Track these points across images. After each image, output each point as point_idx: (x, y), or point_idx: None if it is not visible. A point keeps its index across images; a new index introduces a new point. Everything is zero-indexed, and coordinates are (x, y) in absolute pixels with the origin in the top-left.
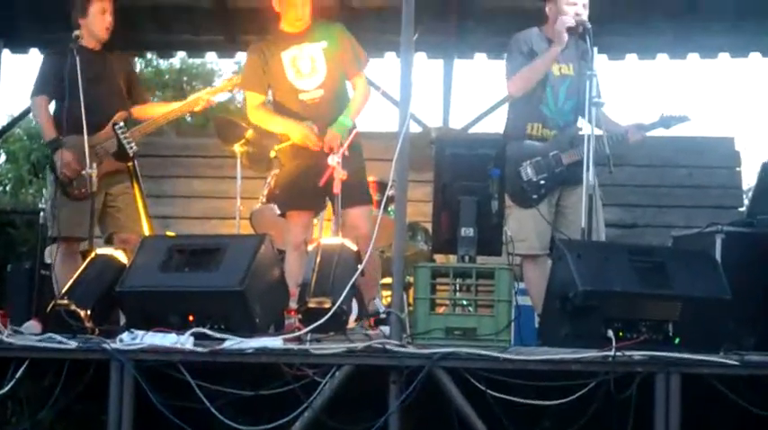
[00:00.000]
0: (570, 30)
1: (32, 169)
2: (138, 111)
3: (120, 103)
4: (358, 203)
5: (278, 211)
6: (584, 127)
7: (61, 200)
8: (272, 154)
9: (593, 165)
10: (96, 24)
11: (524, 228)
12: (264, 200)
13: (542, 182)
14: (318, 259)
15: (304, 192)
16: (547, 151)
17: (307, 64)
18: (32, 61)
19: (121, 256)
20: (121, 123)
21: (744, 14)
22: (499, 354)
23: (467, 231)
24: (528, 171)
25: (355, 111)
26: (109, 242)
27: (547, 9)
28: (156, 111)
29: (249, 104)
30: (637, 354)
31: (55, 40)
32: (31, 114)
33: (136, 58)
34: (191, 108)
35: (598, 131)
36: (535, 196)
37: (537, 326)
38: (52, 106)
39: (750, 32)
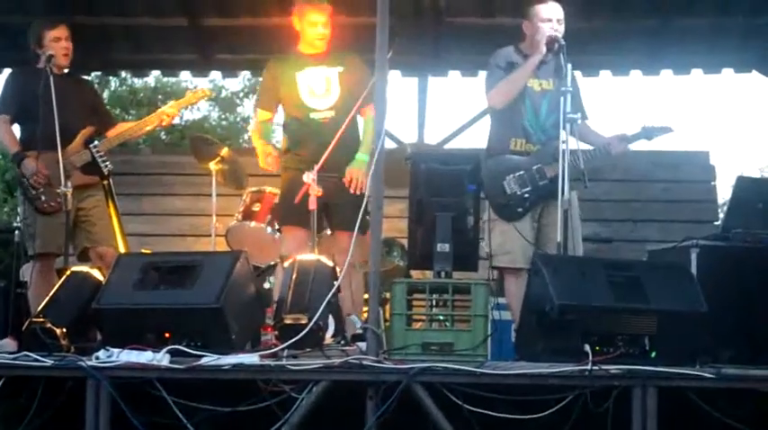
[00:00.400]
0: (547, 44)
1: (7, 188)
2: (111, 132)
3: (86, 120)
4: (352, 229)
5: (252, 227)
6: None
7: (34, 216)
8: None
9: (568, 181)
10: (56, 51)
11: (508, 241)
12: (240, 217)
13: (526, 195)
14: (295, 275)
15: (294, 208)
16: (530, 165)
17: (321, 85)
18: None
19: (97, 274)
20: (96, 142)
21: (716, 32)
22: (476, 369)
23: (442, 247)
24: (512, 185)
25: (370, 147)
26: (82, 258)
27: (524, 26)
28: (125, 127)
29: (256, 120)
30: (613, 368)
31: (25, 59)
32: None
33: (110, 77)
34: (159, 121)
35: (573, 145)
36: (520, 209)
37: (514, 340)
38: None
39: (722, 49)
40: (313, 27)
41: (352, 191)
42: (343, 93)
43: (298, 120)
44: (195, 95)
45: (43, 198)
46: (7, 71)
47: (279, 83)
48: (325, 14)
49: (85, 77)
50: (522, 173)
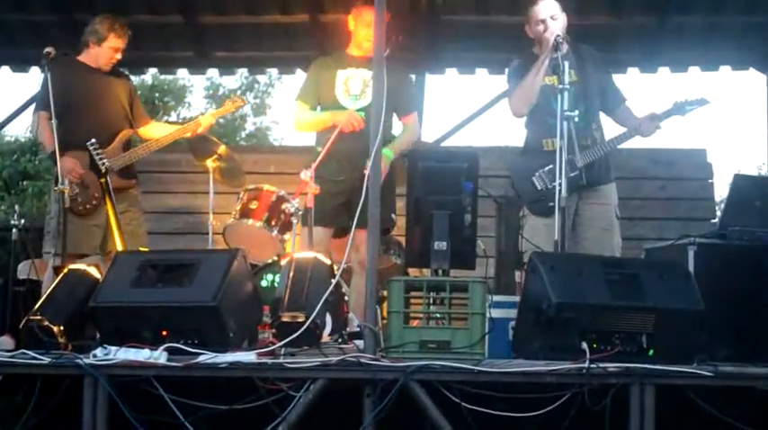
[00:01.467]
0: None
1: (4, 186)
2: (143, 131)
3: (123, 122)
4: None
5: (250, 225)
6: (597, 129)
7: (66, 217)
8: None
9: (565, 181)
10: (105, 57)
11: (536, 236)
12: (237, 215)
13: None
14: (292, 273)
15: (329, 209)
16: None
17: (358, 86)
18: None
19: (94, 272)
20: (93, 140)
21: (713, 29)
22: (473, 367)
23: (440, 245)
24: (543, 179)
25: (399, 148)
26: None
27: (527, 31)
28: (159, 131)
29: (295, 113)
30: (611, 366)
31: (25, 58)
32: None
33: None
34: (195, 128)
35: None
36: (552, 203)
37: (511, 338)
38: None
39: (720, 46)
40: (368, 28)
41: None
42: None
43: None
44: (234, 104)
45: (79, 200)
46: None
47: (320, 78)
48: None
49: (124, 71)
50: (551, 167)
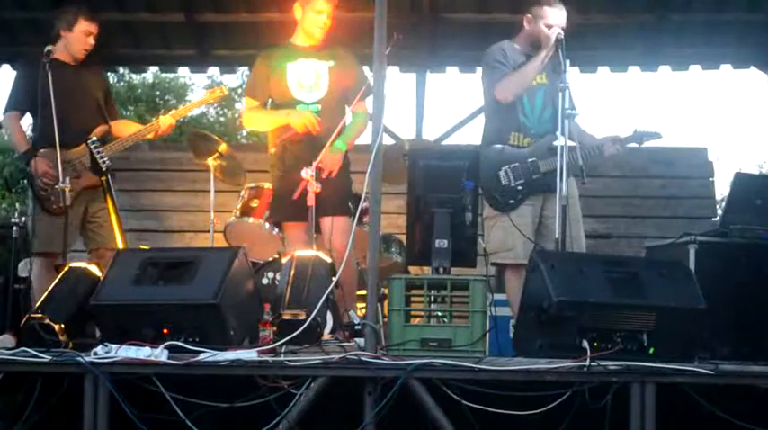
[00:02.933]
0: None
1: (5, 184)
2: (116, 128)
3: (99, 118)
4: (333, 214)
5: (251, 223)
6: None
7: (39, 215)
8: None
9: (566, 177)
10: (78, 43)
11: (509, 236)
12: (238, 213)
13: (519, 187)
14: (293, 271)
15: (291, 203)
16: (525, 157)
17: (310, 78)
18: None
19: (95, 270)
20: (94, 138)
21: (714, 27)
22: (474, 365)
23: (441, 243)
24: (508, 175)
25: (351, 140)
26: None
27: (525, 21)
28: (127, 129)
29: (245, 109)
30: (612, 364)
31: (24, 53)
32: (2, 130)
33: (108, 73)
34: (154, 130)
35: (572, 143)
36: (512, 201)
37: (512, 336)
38: (27, 121)
39: (721, 45)
40: (318, 15)
41: (323, 176)
42: (332, 87)
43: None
44: (212, 94)
45: (52, 198)
46: (6, 67)
47: (270, 72)
48: (331, 5)
49: (96, 66)
50: (516, 164)
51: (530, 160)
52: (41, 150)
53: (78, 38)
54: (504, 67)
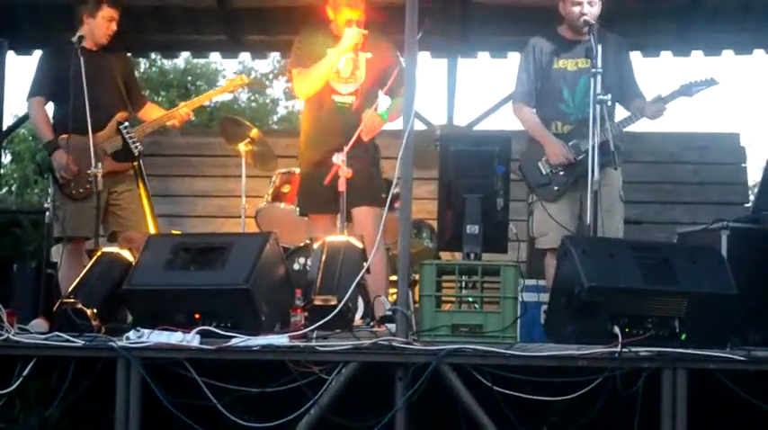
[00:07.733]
0: (581, 26)
1: (38, 169)
2: (142, 113)
3: (121, 104)
4: (364, 203)
5: (282, 209)
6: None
7: (63, 200)
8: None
9: (597, 166)
10: (100, 29)
11: (545, 222)
12: (270, 198)
13: (562, 173)
14: (324, 257)
15: (318, 195)
16: (566, 142)
17: (348, 68)
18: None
19: (127, 255)
20: (126, 123)
21: (747, 12)
22: (505, 351)
23: (472, 228)
24: (548, 164)
25: (393, 112)
26: (111, 240)
27: (560, 8)
28: (157, 113)
29: (296, 81)
30: (643, 350)
31: (57, 40)
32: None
33: (140, 59)
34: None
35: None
36: (557, 188)
37: (543, 322)
38: (49, 107)
39: (754, 30)
40: (347, 26)
41: (357, 132)
42: (368, 80)
43: (319, 100)
44: (232, 83)
45: (72, 185)
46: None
47: (312, 49)
48: (359, 10)
49: (120, 51)
50: None
51: (570, 143)
52: (61, 137)
53: (101, 24)
54: (525, 75)
